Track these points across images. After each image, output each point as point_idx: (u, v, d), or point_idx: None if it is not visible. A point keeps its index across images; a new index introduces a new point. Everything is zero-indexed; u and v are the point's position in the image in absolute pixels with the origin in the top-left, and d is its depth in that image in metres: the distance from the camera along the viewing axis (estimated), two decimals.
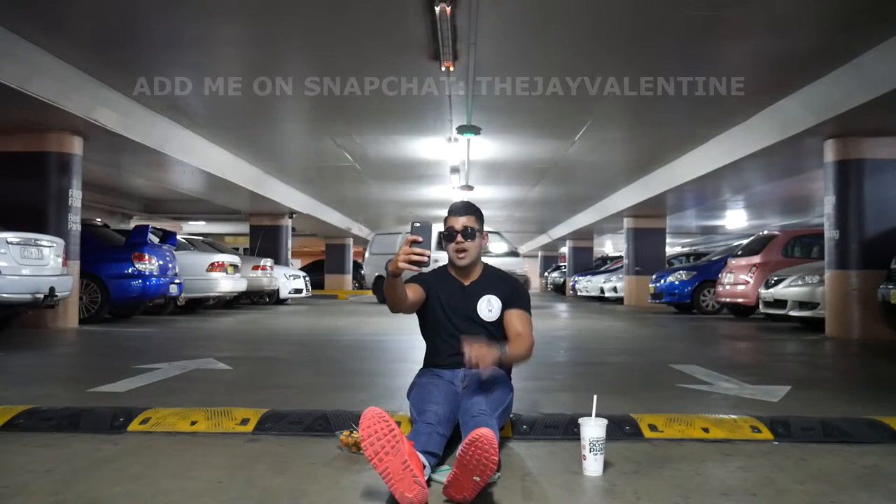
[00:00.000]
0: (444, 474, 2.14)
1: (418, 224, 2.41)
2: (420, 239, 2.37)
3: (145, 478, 2.23)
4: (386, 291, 2.60)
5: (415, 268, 2.39)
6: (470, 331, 2.80)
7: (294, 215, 17.77)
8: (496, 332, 2.80)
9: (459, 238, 2.75)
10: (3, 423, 2.84)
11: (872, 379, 5.14)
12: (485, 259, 2.96)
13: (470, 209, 2.82)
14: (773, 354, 6.75)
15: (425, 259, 2.35)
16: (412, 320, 2.99)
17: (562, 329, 9.23)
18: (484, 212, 2.92)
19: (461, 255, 2.78)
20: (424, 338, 2.96)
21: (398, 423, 2.80)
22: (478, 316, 2.79)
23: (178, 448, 2.60)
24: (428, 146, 11.08)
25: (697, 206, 16.81)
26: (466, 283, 2.85)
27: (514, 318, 2.78)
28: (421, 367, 2.92)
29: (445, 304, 2.81)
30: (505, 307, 2.80)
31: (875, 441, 2.75)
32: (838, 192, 8.24)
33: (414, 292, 2.73)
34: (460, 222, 2.76)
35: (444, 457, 2.35)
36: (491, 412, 2.39)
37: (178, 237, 11.80)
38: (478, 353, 2.38)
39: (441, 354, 2.84)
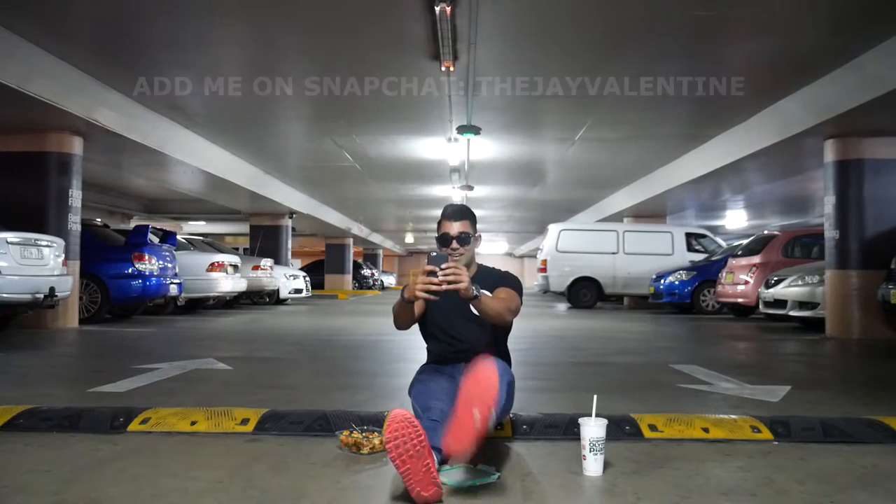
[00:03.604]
0: (445, 474, 2.15)
1: (435, 254, 2.52)
2: (437, 269, 2.44)
3: (145, 478, 2.24)
4: (398, 314, 2.73)
5: (432, 297, 2.46)
6: (466, 330, 2.81)
7: (294, 215, 17.77)
8: (490, 327, 2.80)
9: (455, 244, 2.76)
10: (3, 423, 2.84)
11: (872, 379, 5.14)
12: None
13: (464, 213, 2.81)
14: (773, 354, 6.75)
15: (442, 289, 2.41)
16: None
17: (561, 329, 9.23)
18: (483, 212, 2.93)
19: (456, 259, 2.79)
20: (424, 339, 2.97)
21: None
22: (470, 312, 2.79)
23: (178, 448, 2.60)
24: (428, 146, 11.08)
25: (697, 206, 16.81)
26: None
27: (499, 290, 2.76)
28: (422, 364, 2.93)
29: (443, 306, 2.81)
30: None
31: (875, 441, 2.76)
32: (838, 192, 8.24)
33: (419, 304, 2.77)
34: (455, 228, 2.77)
35: None
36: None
37: (178, 237, 11.80)
38: (454, 271, 2.39)
39: (440, 355, 2.86)
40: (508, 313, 2.67)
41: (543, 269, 15.02)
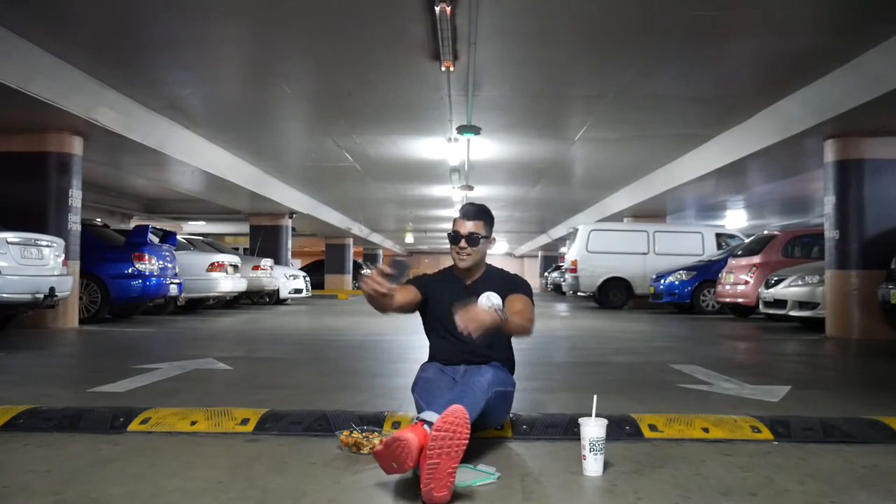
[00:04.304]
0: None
1: (398, 259, 2.56)
2: (392, 272, 2.52)
3: (145, 478, 2.24)
4: (368, 301, 2.68)
5: (374, 294, 2.50)
6: None
7: (294, 215, 17.77)
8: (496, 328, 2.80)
9: (463, 243, 2.76)
10: (3, 423, 2.84)
11: (872, 379, 5.14)
12: None
13: (479, 214, 2.81)
14: (773, 354, 6.75)
15: (384, 291, 2.48)
16: (411, 320, 2.99)
17: (561, 329, 9.23)
18: None
19: (463, 258, 2.80)
20: (427, 336, 2.97)
21: (398, 423, 2.81)
22: None
23: (178, 448, 2.60)
24: (428, 146, 11.08)
25: (697, 206, 16.81)
26: (468, 282, 2.86)
27: (515, 300, 2.76)
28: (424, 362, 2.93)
29: (447, 304, 2.81)
30: (505, 297, 2.80)
31: (875, 441, 2.76)
32: (838, 192, 8.24)
33: (405, 294, 2.75)
34: (467, 227, 2.77)
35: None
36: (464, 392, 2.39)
37: (178, 237, 11.80)
38: (468, 316, 2.35)
39: (443, 352, 2.85)
40: (530, 324, 2.69)
41: (573, 270, 14.84)
